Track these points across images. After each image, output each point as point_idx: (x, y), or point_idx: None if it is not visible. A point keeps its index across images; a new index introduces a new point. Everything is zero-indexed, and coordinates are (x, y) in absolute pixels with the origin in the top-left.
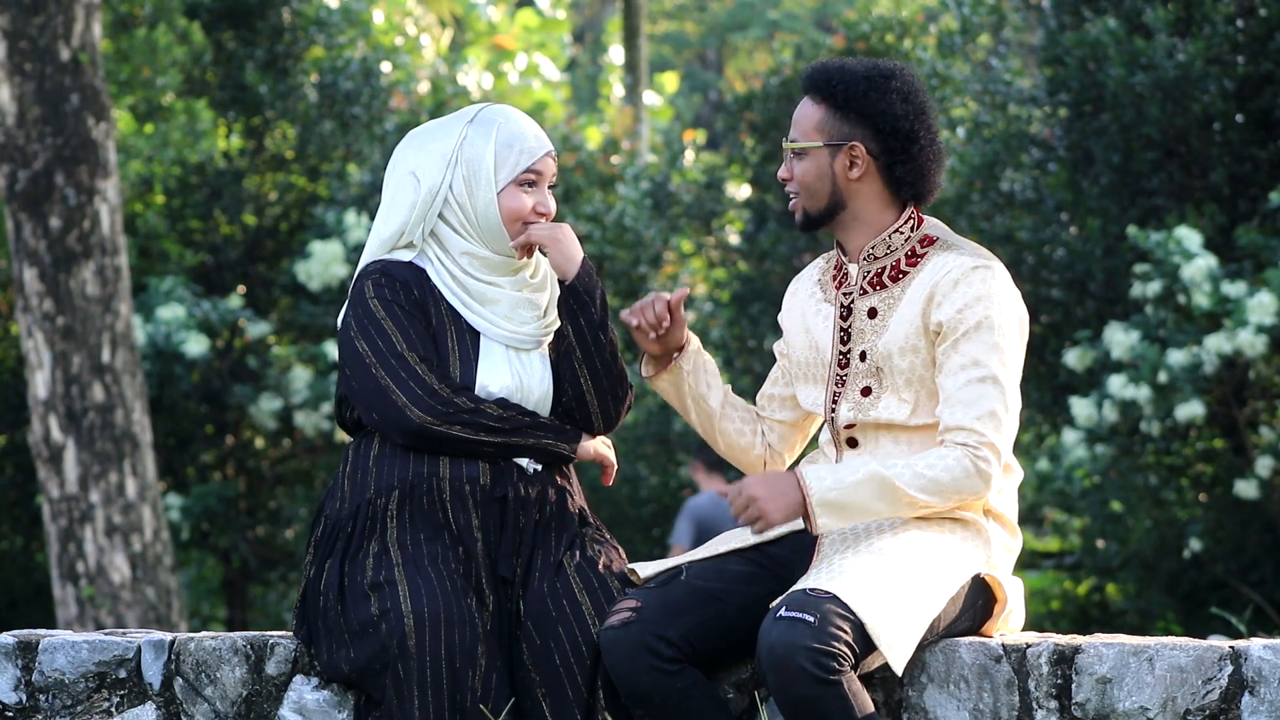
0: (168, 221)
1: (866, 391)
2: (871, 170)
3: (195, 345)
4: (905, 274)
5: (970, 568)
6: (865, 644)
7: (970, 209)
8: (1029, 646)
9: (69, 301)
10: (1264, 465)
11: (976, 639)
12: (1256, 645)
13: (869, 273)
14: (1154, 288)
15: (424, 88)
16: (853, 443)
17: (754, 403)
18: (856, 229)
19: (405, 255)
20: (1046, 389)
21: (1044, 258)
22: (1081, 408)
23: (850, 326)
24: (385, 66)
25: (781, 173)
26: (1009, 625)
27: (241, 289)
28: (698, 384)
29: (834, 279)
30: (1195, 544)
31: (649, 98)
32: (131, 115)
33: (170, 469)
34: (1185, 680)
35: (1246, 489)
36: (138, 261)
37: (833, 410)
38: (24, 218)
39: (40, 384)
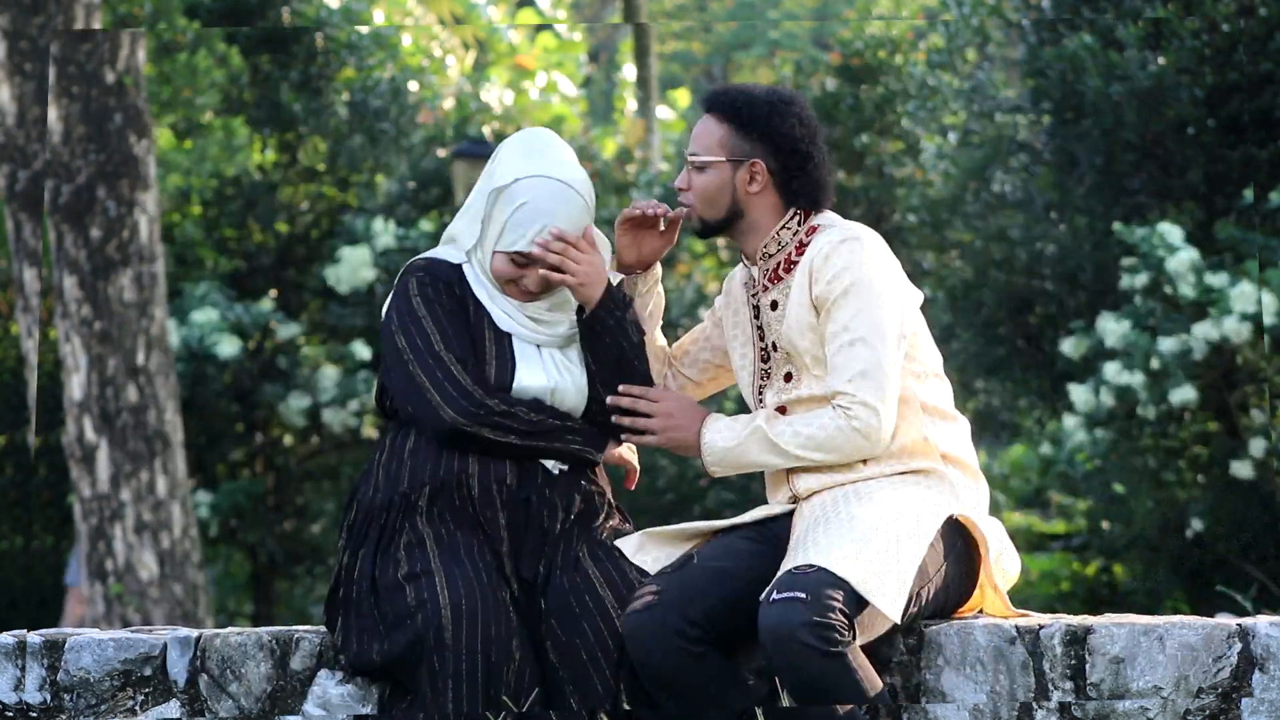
0: (204, 230)
1: (788, 378)
2: (769, 184)
3: (228, 347)
4: (796, 263)
5: (940, 511)
6: (859, 607)
7: (964, 209)
8: (1042, 628)
9: (106, 307)
10: (1257, 446)
11: (990, 621)
12: (1264, 623)
13: (766, 270)
14: (1141, 279)
15: (449, 104)
16: (783, 411)
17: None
18: (752, 234)
19: (454, 255)
20: (1045, 376)
21: (1036, 254)
22: (1079, 394)
23: (762, 322)
24: (412, 85)
25: (679, 182)
26: (1003, 567)
27: (273, 293)
28: (642, 309)
29: (751, 283)
30: (1197, 524)
31: (662, 111)
32: (172, 132)
33: (200, 466)
34: (1196, 659)
35: (1242, 469)
36: (174, 268)
37: (760, 397)
38: (66, 229)
39: (76, 386)
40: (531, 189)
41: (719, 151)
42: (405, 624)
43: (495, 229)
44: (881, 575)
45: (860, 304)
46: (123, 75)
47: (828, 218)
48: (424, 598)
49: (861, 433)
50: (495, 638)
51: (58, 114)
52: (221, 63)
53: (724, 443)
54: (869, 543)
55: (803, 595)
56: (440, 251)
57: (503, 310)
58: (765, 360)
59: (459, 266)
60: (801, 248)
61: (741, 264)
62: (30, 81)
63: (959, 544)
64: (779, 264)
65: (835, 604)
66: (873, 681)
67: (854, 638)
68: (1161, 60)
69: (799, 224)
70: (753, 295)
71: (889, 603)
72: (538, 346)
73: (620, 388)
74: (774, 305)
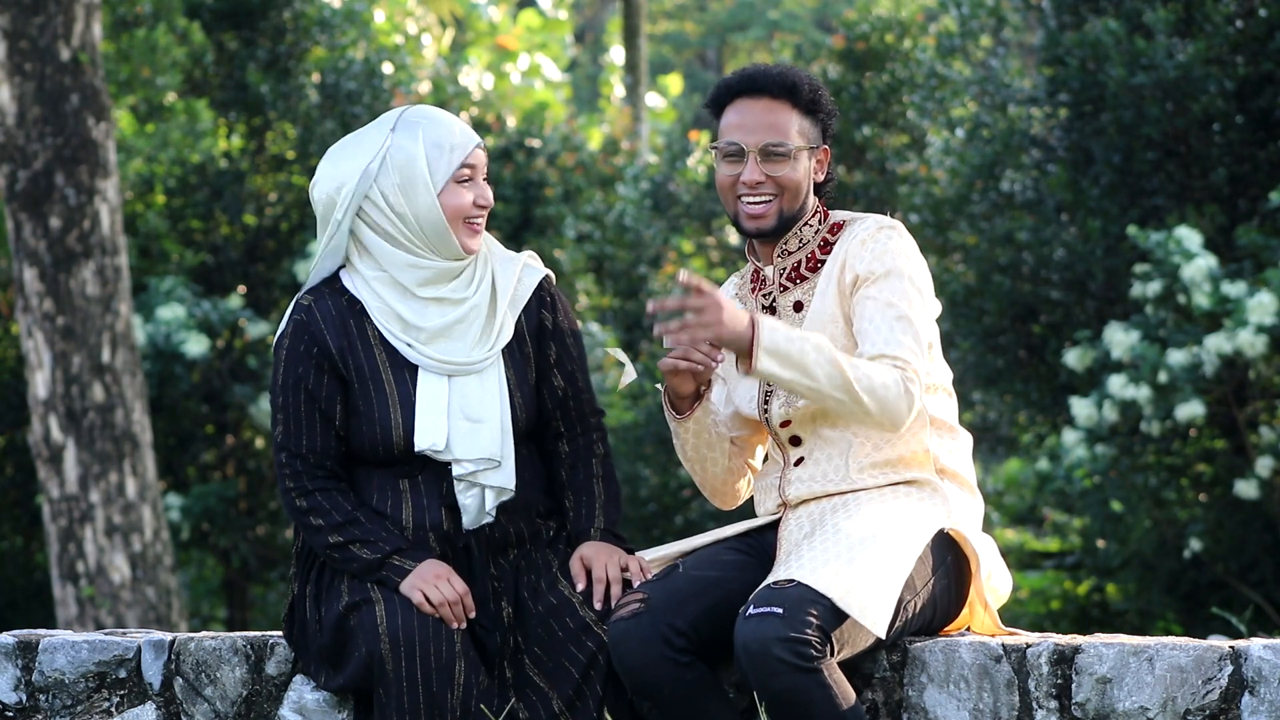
0: (168, 221)
1: None
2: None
3: (195, 345)
4: (822, 262)
5: (931, 524)
6: (838, 623)
7: (970, 209)
8: (1029, 646)
9: (69, 301)
10: (1264, 465)
11: (976, 638)
12: (1256, 645)
13: (784, 269)
14: (1154, 288)
15: (425, 88)
16: (796, 441)
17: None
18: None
19: (344, 279)
20: (1046, 389)
21: (1044, 258)
22: (1081, 408)
23: None
24: (387, 67)
25: (750, 175)
26: (993, 585)
27: (242, 289)
28: (707, 431)
29: (752, 285)
30: (1195, 544)
31: (651, 99)
32: (132, 115)
33: (170, 469)
34: (1185, 680)
35: (1246, 489)
36: (138, 261)
37: (765, 409)
38: (24, 218)
39: (40, 384)
40: (409, 124)
41: (798, 139)
42: (352, 655)
43: (423, 181)
44: (866, 590)
45: (905, 287)
46: (78, 51)
47: (848, 214)
48: (365, 628)
49: (908, 397)
50: (436, 666)
51: (10, 93)
52: (183, 39)
53: (783, 331)
54: (854, 558)
55: (779, 610)
56: (321, 276)
57: (406, 338)
58: None
59: (346, 295)
60: (826, 246)
61: (749, 264)
62: (30, 81)
63: (949, 559)
64: (799, 262)
65: (812, 620)
66: (847, 697)
67: (831, 653)
68: (1190, 49)
69: (820, 221)
70: (765, 295)
71: (873, 619)
72: (448, 377)
73: (657, 301)
74: (797, 306)
